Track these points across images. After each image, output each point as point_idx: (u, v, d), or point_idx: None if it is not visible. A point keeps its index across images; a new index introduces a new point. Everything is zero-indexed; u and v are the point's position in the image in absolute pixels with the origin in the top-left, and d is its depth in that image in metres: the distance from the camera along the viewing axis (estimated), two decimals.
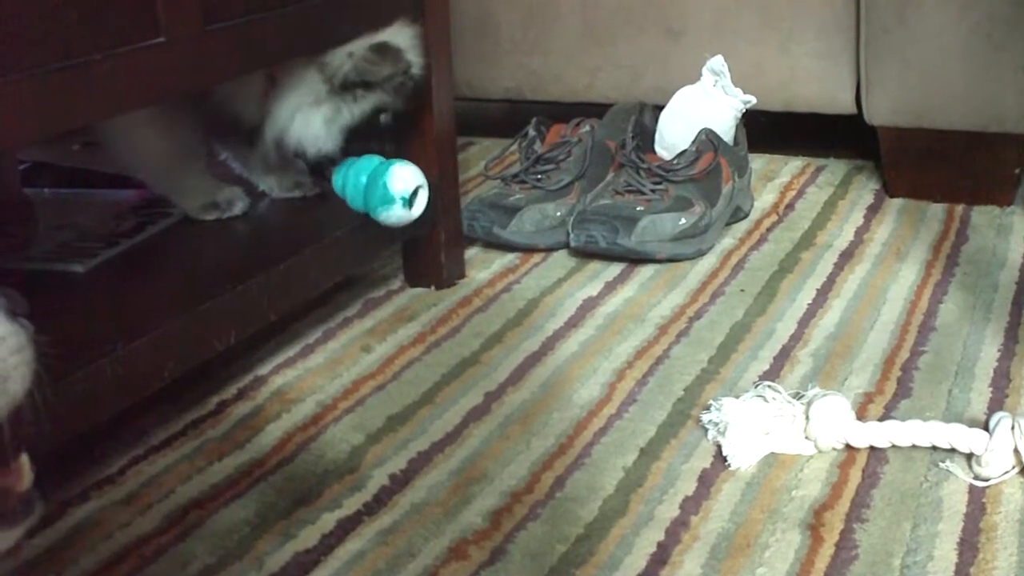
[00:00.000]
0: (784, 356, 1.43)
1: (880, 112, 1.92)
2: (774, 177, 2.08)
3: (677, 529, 1.11)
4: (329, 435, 1.30)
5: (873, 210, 1.91)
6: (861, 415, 1.27)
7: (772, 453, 1.22)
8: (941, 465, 1.18)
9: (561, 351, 1.47)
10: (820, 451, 1.22)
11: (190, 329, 1.26)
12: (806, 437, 1.22)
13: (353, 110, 1.51)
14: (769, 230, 1.85)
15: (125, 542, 1.13)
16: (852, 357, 1.42)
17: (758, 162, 2.09)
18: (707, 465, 1.21)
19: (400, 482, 1.21)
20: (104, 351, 1.15)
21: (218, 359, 1.34)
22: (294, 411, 1.36)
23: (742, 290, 1.62)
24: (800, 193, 2.00)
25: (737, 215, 1.88)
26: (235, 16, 1.30)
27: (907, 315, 1.52)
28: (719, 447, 1.23)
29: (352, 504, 1.17)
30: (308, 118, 1.51)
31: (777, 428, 1.23)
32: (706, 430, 1.26)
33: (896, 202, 1.94)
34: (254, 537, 1.13)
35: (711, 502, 1.15)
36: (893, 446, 1.21)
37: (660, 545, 1.09)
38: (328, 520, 1.15)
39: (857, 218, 1.88)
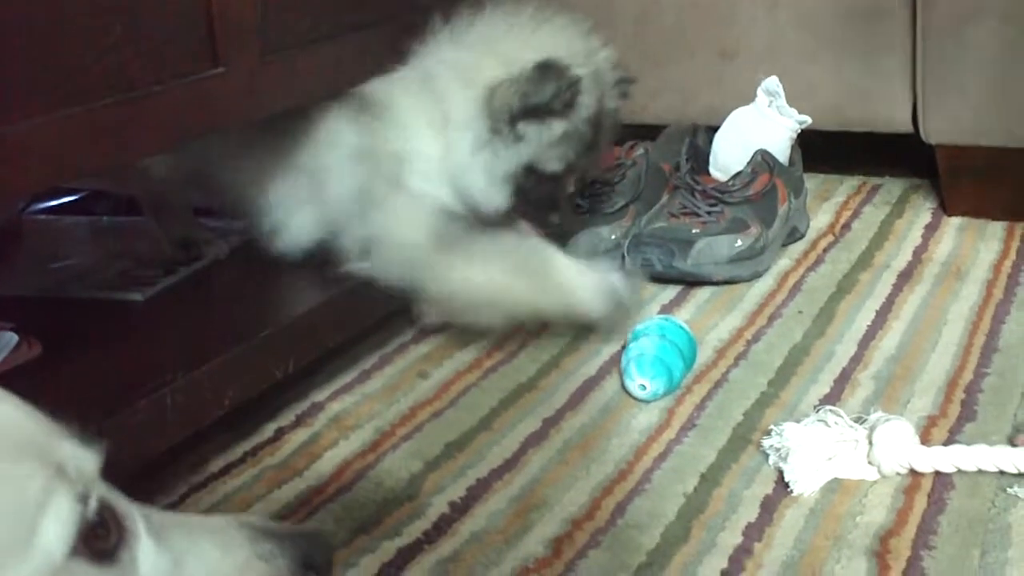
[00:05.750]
0: (844, 379, 1.41)
1: (938, 130, 1.89)
2: (830, 197, 2.07)
3: (740, 557, 1.09)
4: (387, 462, 1.30)
5: (931, 229, 1.89)
6: (925, 439, 1.25)
7: (835, 479, 1.20)
8: (1009, 491, 1.15)
9: (619, 376, 1.46)
10: (884, 476, 1.20)
11: (250, 357, 1.26)
12: (869, 462, 1.21)
13: (510, 155, 1.46)
14: (826, 250, 1.83)
15: None
16: (914, 379, 1.40)
17: (813, 182, 2.07)
18: (769, 491, 1.20)
19: (459, 509, 1.20)
20: (166, 380, 1.16)
21: (275, 384, 1.34)
22: (352, 438, 1.36)
23: (800, 312, 1.61)
24: (856, 213, 1.98)
25: (793, 236, 1.86)
26: (293, 46, 1.31)
27: (969, 336, 1.50)
28: (781, 473, 1.22)
29: (412, 532, 1.17)
30: (473, 168, 1.47)
31: (840, 453, 1.21)
32: (767, 455, 1.25)
33: (954, 221, 1.92)
34: None
35: (774, 529, 1.13)
36: (959, 471, 1.19)
37: (723, 573, 1.07)
38: (389, 548, 1.14)
39: (915, 237, 1.86)
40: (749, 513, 1.16)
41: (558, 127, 1.44)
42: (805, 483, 1.19)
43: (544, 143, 1.45)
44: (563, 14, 1.50)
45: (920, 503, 1.15)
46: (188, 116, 1.18)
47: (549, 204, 1.52)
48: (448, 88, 1.47)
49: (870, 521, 1.13)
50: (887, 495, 1.17)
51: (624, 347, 1.46)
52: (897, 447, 1.19)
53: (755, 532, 1.13)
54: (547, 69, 1.42)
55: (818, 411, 1.28)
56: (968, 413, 1.31)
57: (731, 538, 1.12)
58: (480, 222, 1.49)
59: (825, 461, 1.21)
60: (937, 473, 1.19)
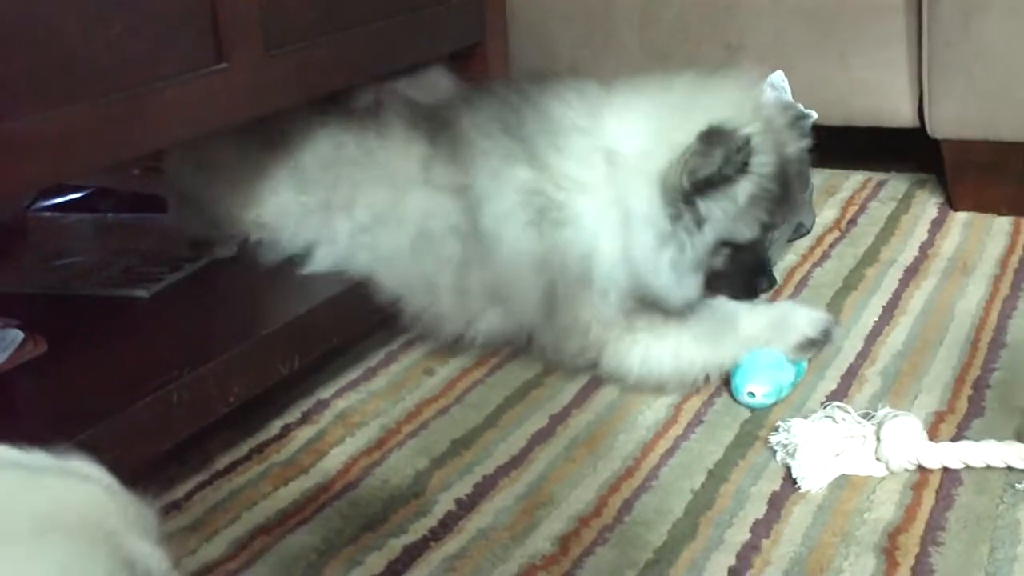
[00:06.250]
0: (852, 375, 1.41)
1: (944, 125, 1.89)
2: (835, 192, 2.06)
3: (748, 553, 1.09)
4: (393, 459, 1.30)
5: (937, 224, 1.88)
6: (933, 435, 1.25)
7: (843, 475, 1.20)
8: (1018, 487, 1.15)
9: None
10: (892, 472, 1.20)
11: (256, 354, 1.26)
12: (877, 458, 1.20)
13: (696, 242, 1.35)
14: (832, 246, 1.83)
15: (193, 569, 1.13)
16: (921, 375, 1.39)
17: (819, 177, 2.07)
18: (776, 487, 1.19)
19: (466, 507, 1.20)
20: (171, 377, 1.16)
21: (280, 381, 1.34)
22: (358, 435, 1.35)
23: None
24: (862, 208, 1.98)
25: (799, 231, 1.86)
26: (297, 41, 1.31)
27: (976, 332, 1.50)
28: (788, 469, 1.21)
29: (418, 529, 1.17)
30: (657, 263, 1.36)
31: (848, 449, 1.21)
32: (774, 452, 1.24)
33: (961, 216, 1.91)
34: (321, 564, 1.12)
35: (782, 525, 1.13)
36: (967, 467, 1.19)
37: (731, 570, 1.07)
38: (395, 546, 1.14)
39: (921, 233, 1.85)
40: (757, 510, 1.16)
41: (741, 193, 1.34)
42: (813, 479, 1.19)
43: (730, 215, 1.34)
44: (722, 73, 1.42)
45: (928, 499, 1.15)
46: (192, 112, 1.18)
47: (753, 272, 1.41)
48: (631, 178, 1.37)
49: (878, 517, 1.13)
50: (895, 491, 1.17)
51: None
52: (905, 443, 1.19)
53: (763, 529, 1.13)
54: (711, 136, 1.32)
55: (825, 407, 1.28)
56: (976, 409, 1.31)
57: (739, 535, 1.12)
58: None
59: (833, 457, 1.20)
60: (945, 469, 1.19)
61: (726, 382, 1.39)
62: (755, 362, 1.36)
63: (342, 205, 1.48)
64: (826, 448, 1.21)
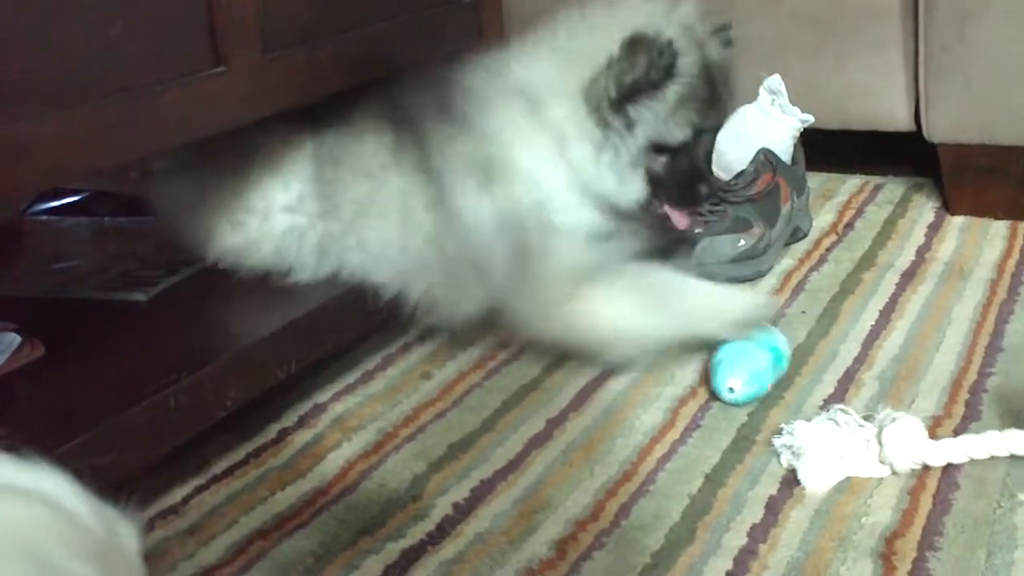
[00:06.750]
0: (849, 379, 1.41)
1: (940, 129, 1.89)
2: (832, 196, 2.06)
3: (745, 558, 1.09)
4: (391, 463, 1.30)
5: (934, 228, 1.89)
6: (931, 436, 1.25)
7: (840, 479, 1.20)
8: (1020, 495, 1.15)
9: (622, 376, 1.46)
10: (897, 474, 1.20)
11: (252, 358, 1.26)
12: (881, 461, 1.20)
13: (629, 144, 1.43)
14: (829, 250, 1.83)
15: (190, 573, 1.13)
16: (918, 379, 1.39)
17: (815, 181, 2.07)
18: (774, 492, 1.19)
19: (463, 511, 1.20)
20: (169, 381, 1.16)
21: (277, 385, 1.34)
22: (355, 439, 1.35)
23: (803, 312, 1.60)
24: (859, 212, 1.98)
25: (796, 235, 1.86)
26: (295, 43, 1.31)
27: (973, 336, 1.50)
28: (785, 473, 1.21)
29: (416, 533, 1.16)
30: (599, 171, 1.44)
31: (852, 452, 1.21)
32: (778, 454, 1.24)
33: (957, 220, 1.91)
34: (318, 568, 1.12)
35: (779, 530, 1.13)
36: (972, 460, 1.20)
37: (728, 575, 1.07)
38: (392, 550, 1.14)
39: (918, 237, 1.85)
40: (754, 514, 1.16)
41: (671, 95, 1.40)
42: (818, 481, 1.19)
43: (661, 117, 1.41)
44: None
45: (925, 504, 1.15)
46: (190, 115, 1.18)
47: (693, 177, 1.47)
48: (550, 107, 1.44)
49: (875, 522, 1.13)
50: (892, 496, 1.17)
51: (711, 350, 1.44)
52: (908, 444, 1.19)
53: (760, 533, 1.13)
54: (634, 44, 1.39)
55: (827, 410, 1.28)
56: (973, 413, 1.31)
57: (736, 539, 1.12)
58: (628, 225, 1.49)
59: (838, 460, 1.20)
60: (943, 473, 1.19)
61: (707, 380, 1.40)
62: (733, 359, 1.38)
63: (328, 207, 1.48)
64: (832, 450, 1.21)
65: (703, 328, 1.43)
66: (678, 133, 1.43)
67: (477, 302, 1.46)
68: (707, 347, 1.43)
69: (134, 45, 1.11)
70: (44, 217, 1.76)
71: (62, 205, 1.78)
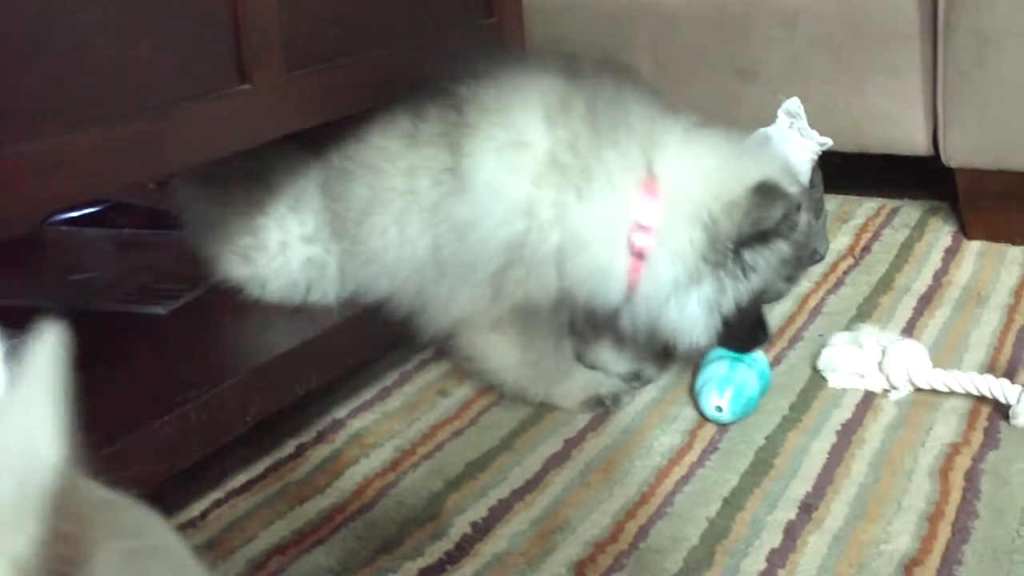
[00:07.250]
0: (867, 404, 1.41)
1: (958, 153, 1.89)
2: (849, 219, 2.06)
3: None
4: (408, 481, 1.30)
5: (951, 253, 1.89)
6: (949, 465, 1.25)
7: (860, 506, 1.20)
8: None
9: (641, 397, 1.46)
10: (894, 388, 1.41)
11: (273, 374, 1.26)
12: (880, 372, 1.42)
13: (740, 289, 1.35)
14: (846, 273, 1.83)
15: None
16: (937, 406, 1.39)
17: (832, 203, 2.07)
18: (792, 516, 1.19)
19: (481, 530, 1.20)
20: (190, 396, 1.16)
21: (296, 400, 1.34)
22: (373, 456, 1.35)
23: (821, 335, 1.60)
24: (876, 235, 1.98)
25: (813, 258, 1.86)
26: (318, 62, 1.31)
27: (991, 361, 1.50)
28: (803, 498, 1.21)
29: (434, 552, 1.17)
30: (684, 302, 1.35)
31: (867, 370, 1.44)
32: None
33: (975, 245, 1.91)
34: None
35: (798, 555, 1.13)
36: (951, 391, 1.38)
37: None
38: (411, 569, 1.14)
39: (935, 261, 1.86)
40: (772, 539, 1.16)
41: (785, 249, 1.35)
42: (840, 385, 1.45)
43: (773, 268, 1.35)
44: (714, 126, 1.42)
45: (944, 532, 1.15)
46: (214, 132, 1.18)
47: (754, 326, 1.42)
48: (673, 217, 1.34)
49: (894, 549, 1.13)
50: (911, 523, 1.17)
51: (696, 369, 1.45)
52: (904, 363, 1.40)
53: (778, 558, 1.13)
54: (768, 191, 1.32)
55: (855, 329, 1.52)
56: (991, 441, 1.31)
57: (754, 564, 1.12)
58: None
59: (857, 378, 1.45)
60: (961, 500, 1.19)
61: (695, 400, 1.42)
62: (717, 377, 1.39)
63: (338, 227, 1.46)
64: (852, 368, 1.46)
65: (552, 399, 1.45)
66: (783, 287, 1.40)
67: (462, 305, 1.44)
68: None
69: (161, 63, 1.11)
70: (64, 228, 1.77)
71: (81, 215, 1.79)
